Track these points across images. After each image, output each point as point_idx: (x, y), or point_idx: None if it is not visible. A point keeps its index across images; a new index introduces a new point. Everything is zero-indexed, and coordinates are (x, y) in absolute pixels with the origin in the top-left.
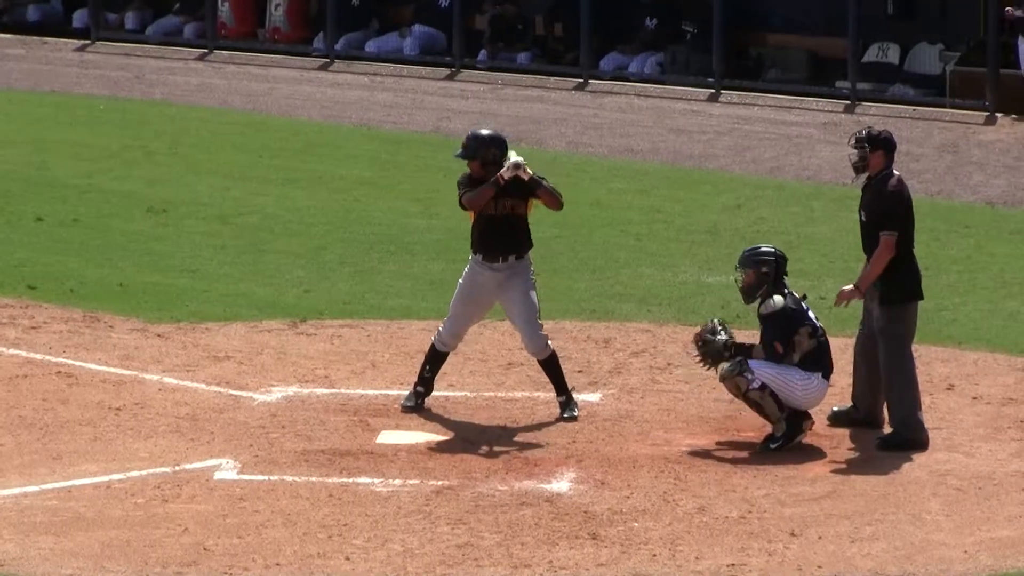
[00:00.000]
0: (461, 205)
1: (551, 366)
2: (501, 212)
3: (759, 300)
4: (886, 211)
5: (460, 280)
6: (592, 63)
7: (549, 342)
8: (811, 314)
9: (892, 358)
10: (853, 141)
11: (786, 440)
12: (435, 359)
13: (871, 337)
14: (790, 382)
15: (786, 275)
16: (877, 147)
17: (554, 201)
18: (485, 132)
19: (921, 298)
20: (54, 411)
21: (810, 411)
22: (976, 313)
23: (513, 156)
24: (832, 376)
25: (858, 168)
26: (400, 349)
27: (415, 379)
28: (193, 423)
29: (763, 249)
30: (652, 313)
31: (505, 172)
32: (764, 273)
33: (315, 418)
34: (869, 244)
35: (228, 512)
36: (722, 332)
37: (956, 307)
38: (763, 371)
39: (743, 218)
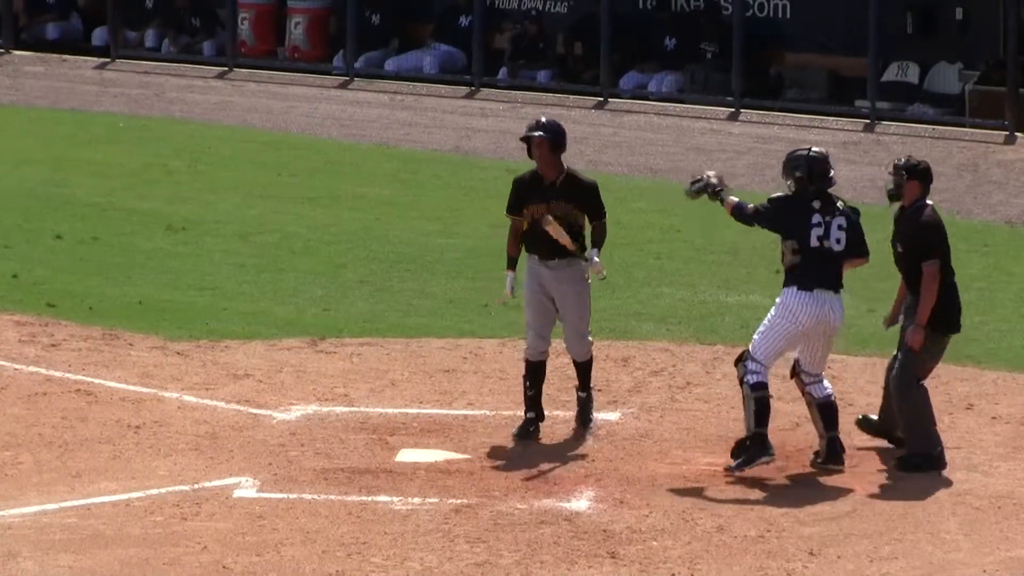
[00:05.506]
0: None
1: (584, 367)
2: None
3: None
4: (924, 241)
5: (524, 288)
6: (612, 82)
7: (591, 348)
8: (818, 231)
9: (907, 379)
10: (891, 168)
11: (746, 461)
12: (533, 373)
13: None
14: (774, 324)
15: (830, 175)
16: (914, 177)
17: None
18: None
19: (957, 331)
20: (73, 429)
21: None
22: (996, 333)
23: (594, 258)
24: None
25: (892, 196)
26: (419, 367)
27: (521, 407)
28: (212, 441)
29: (796, 154)
30: (671, 332)
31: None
32: (799, 178)
33: (334, 436)
34: (907, 275)
35: (247, 530)
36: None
37: (976, 326)
38: (757, 337)
39: (762, 238)
